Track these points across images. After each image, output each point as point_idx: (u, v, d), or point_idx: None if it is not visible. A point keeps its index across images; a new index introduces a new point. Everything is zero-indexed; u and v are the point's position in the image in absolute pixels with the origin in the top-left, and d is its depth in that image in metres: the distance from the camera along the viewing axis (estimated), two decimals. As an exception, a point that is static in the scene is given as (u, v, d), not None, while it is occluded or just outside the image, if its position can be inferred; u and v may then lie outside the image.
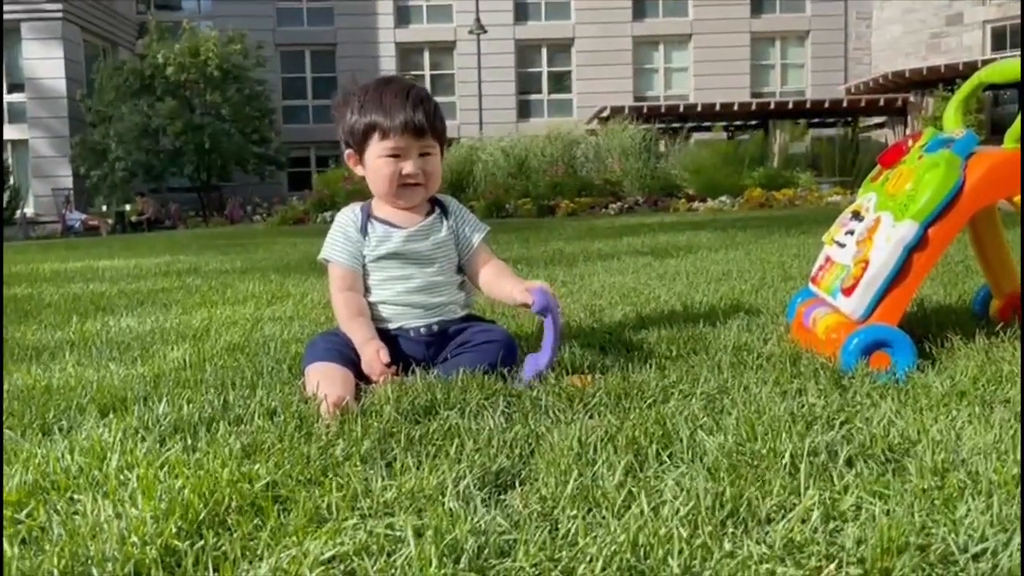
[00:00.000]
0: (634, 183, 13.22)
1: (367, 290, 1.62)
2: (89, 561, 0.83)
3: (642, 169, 13.36)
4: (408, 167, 1.57)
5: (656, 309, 2.41)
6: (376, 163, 1.58)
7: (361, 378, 1.50)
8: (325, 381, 1.39)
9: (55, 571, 0.81)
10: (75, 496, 1.01)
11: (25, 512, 0.96)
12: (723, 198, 12.28)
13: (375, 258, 1.61)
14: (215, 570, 0.82)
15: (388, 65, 21.25)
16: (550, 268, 3.94)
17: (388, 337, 1.59)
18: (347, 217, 1.64)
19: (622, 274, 3.49)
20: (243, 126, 19.09)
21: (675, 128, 15.65)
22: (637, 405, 1.30)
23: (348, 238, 1.61)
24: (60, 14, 16.68)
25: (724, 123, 17.61)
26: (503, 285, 1.56)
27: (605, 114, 17.11)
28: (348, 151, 1.64)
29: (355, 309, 1.57)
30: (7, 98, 17.02)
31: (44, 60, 16.94)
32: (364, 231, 1.61)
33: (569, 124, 15.96)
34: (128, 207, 16.80)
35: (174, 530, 0.88)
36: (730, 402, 1.30)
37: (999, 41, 15.62)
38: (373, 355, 1.47)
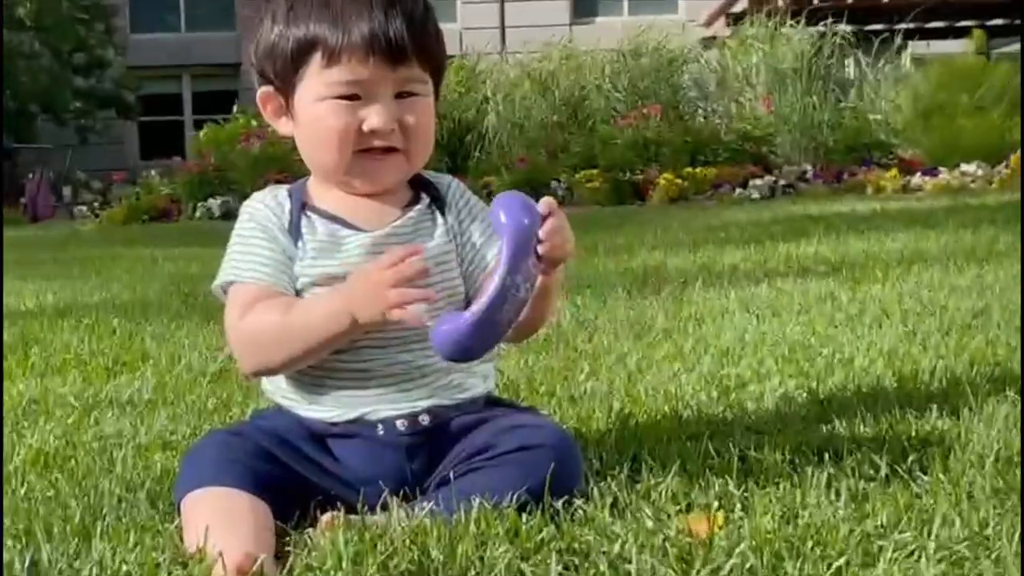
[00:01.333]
0: (797, 138, 13.45)
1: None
2: None
3: (813, 113, 13.53)
4: (375, 117, 1.64)
5: (845, 382, 2.47)
6: (317, 110, 1.66)
7: (285, 513, 1.56)
8: (221, 523, 1.45)
9: None
10: None
11: None
12: (969, 166, 12.41)
13: (312, 282, 1.68)
14: None
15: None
16: (635, 302, 4.08)
17: (336, 436, 1.67)
18: (265, 207, 1.72)
19: (778, 315, 3.58)
20: (57, 40, 19.84)
21: (875, 35, 15.80)
22: (814, 570, 1.33)
23: (270, 240, 1.69)
24: None
25: (971, 23, 17.79)
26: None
27: (737, 8, 17.48)
28: (265, 89, 1.73)
29: (283, 300, 1.67)
30: None
31: None
32: (295, 232, 1.69)
33: (670, 27, 16.20)
34: None
35: None
36: (994, 564, 1.32)
37: None
38: (377, 269, 1.56)
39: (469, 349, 1.57)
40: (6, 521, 1.61)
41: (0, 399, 1.94)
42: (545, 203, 1.58)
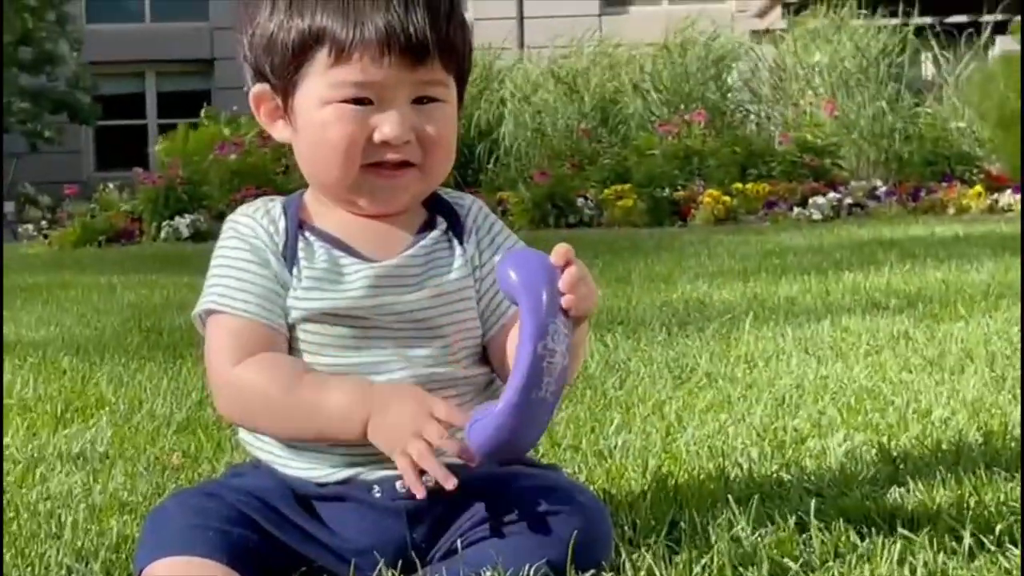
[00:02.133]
0: (866, 149, 14.06)
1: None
2: None
3: (884, 120, 14.07)
4: (388, 126, 1.68)
5: (921, 437, 2.52)
6: (321, 115, 1.71)
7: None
8: None
9: None
10: None
11: None
12: None
13: (305, 317, 1.74)
14: None
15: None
16: (676, 340, 4.25)
17: (324, 499, 1.73)
18: (256, 224, 1.77)
19: (842, 357, 3.68)
20: None
21: (958, 29, 16.41)
22: None
23: (261, 265, 1.74)
24: None
25: None
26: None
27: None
28: (260, 87, 1.79)
29: (290, 369, 1.72)
30: None
31: None
32: (291, 257, 1.75)
33: (717, 17, 16.74)
34: None
35: None
36: None
37: None
38: (423, 411, 1.59)
39: (511, 444, 1.59)
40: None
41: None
42: (560, 253, 1.62)
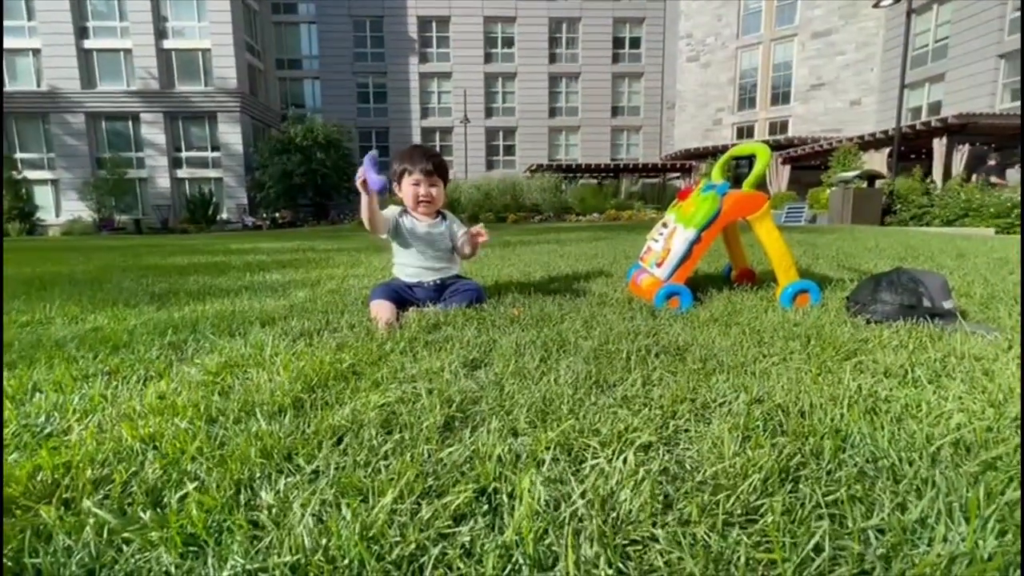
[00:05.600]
0: (548, 206, 28.13)
1: (404, 259, 3.24)
2: (254, 404, 1.86)
3: (552, 198, 28.70)
4: (423, 190, 3.26)
5: (558, 272, 4.21)
6: (407, 188, 3.29)
7: (402, 308, 3.03)
8: (380, 310, 2.99)
9: (235, 409, 1.85)
10: (247, 370, 2.18)
11: (220, 378, 2.13)
12: (594, 215, 26.07)
13: (408, 237, 3.12)
14: (322, 408, 1.83)
15: (416, 138, 47.48)
16: (504, 250, 6.93)
17: (411, 286, 3.09)
18: (394, 208, 3.39)
19: (541, 254, 6.04)
20: (338, 171, 38.25)
21: (570, 176, 35.13)
22: (547, 324, 2.68)
23: (392, 212, 3.30)
24: (238, 109, 40.04)
25: (597, 174, 38.70)
26: (463, 246, 3.28)
27: (533, 168, 37.14)
28: (395, 183, 3.30)
29: (384, 217, 3.11)
30: (213, 154, 40.46)
31: (230, 133, 40.34)
32: (402, 216, 3.28)
33: (514, 173, 34.93)
34: (276, 215, 37.63)
35: (299, 389, 1.91)
36: (596, 323, 2.69)
37: (740, 134, 40.56)
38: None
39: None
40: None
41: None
42: (479, 227, 3.05)
